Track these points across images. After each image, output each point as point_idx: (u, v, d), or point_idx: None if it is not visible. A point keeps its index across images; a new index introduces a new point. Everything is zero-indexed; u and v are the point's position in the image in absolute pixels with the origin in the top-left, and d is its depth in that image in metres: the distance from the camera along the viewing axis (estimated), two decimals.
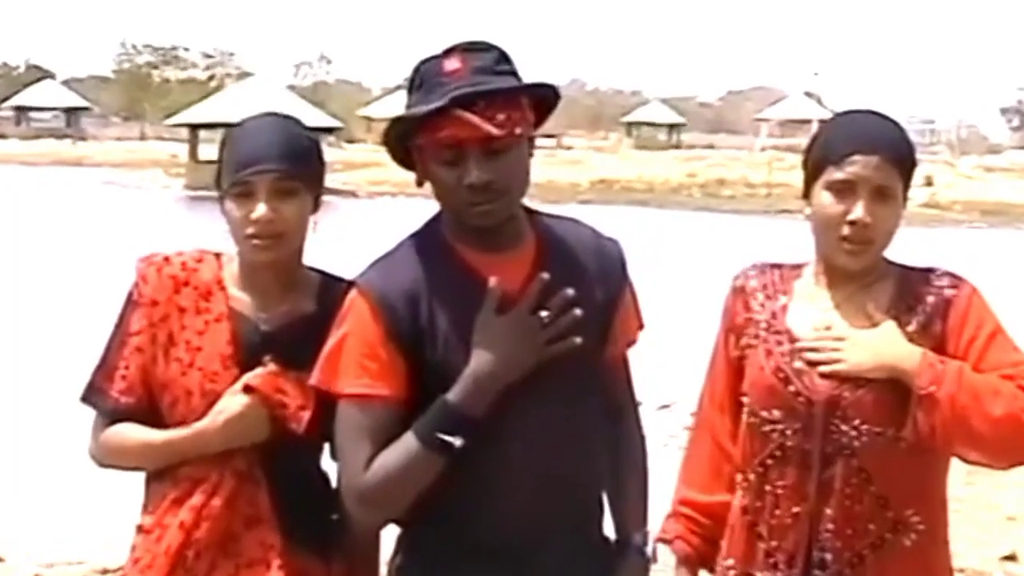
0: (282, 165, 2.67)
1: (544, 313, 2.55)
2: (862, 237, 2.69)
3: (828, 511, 2.71)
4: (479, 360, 2.52)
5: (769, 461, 2.76)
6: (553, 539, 2.61)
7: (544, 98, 2.64)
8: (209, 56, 78.07)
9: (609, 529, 2.80)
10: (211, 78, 73.84)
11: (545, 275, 2.57)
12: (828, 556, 2.71)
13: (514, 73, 2.60)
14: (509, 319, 2.53)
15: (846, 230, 2.69)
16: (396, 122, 2.60)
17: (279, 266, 2.74)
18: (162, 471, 2.74)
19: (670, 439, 9.39)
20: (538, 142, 2.74)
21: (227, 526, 2.69)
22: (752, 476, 2.79)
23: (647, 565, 2.75)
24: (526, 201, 2.71)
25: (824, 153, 2.72)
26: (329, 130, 45.77)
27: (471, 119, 2.49)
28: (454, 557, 2.61)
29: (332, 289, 2.77)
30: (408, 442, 2.52)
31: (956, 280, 2.77)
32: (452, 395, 2.52)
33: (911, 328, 2.72)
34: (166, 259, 2.77)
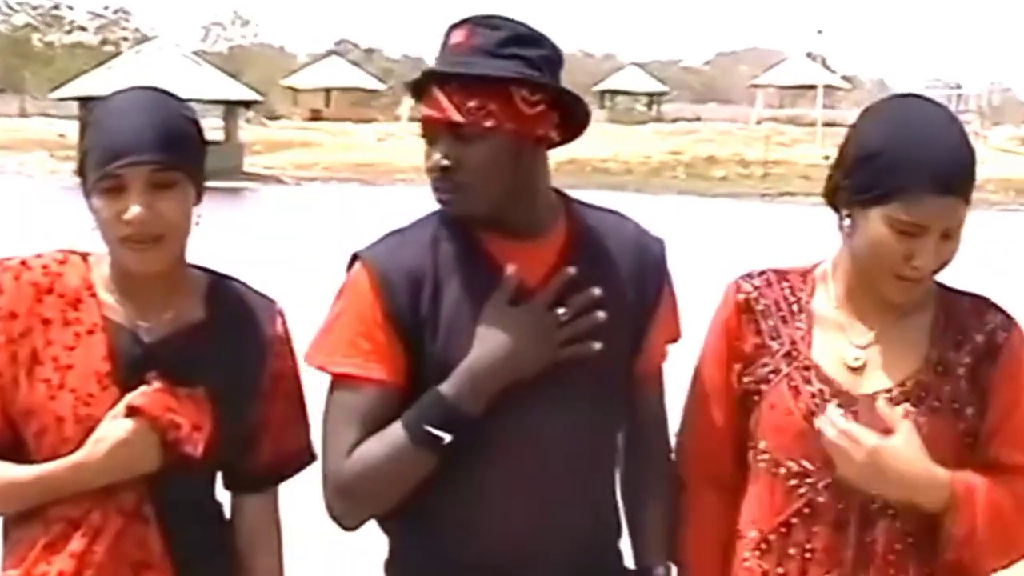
0: (158, 155, 2.62)
1: (562, 311, 2.66)
2: (921, 276, 2.70)
3: None
4: (480, 352, 2.64)
5: (795, 520, 2.74)
6: (548, 564, 2.73)
7: (562, 101, 2.74)
8: (100, 16, 77.84)
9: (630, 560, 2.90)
10: (104, 42, 73.54)
11: (571, 270, 2.69)
12: None
13: (526, 59, 2.69)
14: (521, 312, 2.65)
15: (905, 270, 2.69)
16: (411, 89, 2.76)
17: (160, 270, 2.72)
18: (28, 513, 2.73)
19: None
20: None
21: (113, 574, 2.69)
22: (773, 536, 2.78)
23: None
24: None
25: (889, 183, 2.65)
26: (247, 103, 45.71)
27: (438, 99, 2.65)
28: (440, 574, 2.73)
29: (222, 291, 2.79)
30: (394, 432, 2.64)
31: (1005, 319, 2.80)
32: (446, 387, 2.63)
33: (961, 372, 2.74)
34: (23, 263, 2.73)
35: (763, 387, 2.79)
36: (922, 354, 2.74)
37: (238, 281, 2.82)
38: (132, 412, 2.64)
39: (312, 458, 2.86)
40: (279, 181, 40.12)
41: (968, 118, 61.45)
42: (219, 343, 2.71)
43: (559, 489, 2.71)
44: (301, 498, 3.02)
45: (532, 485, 2.69)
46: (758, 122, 61.46)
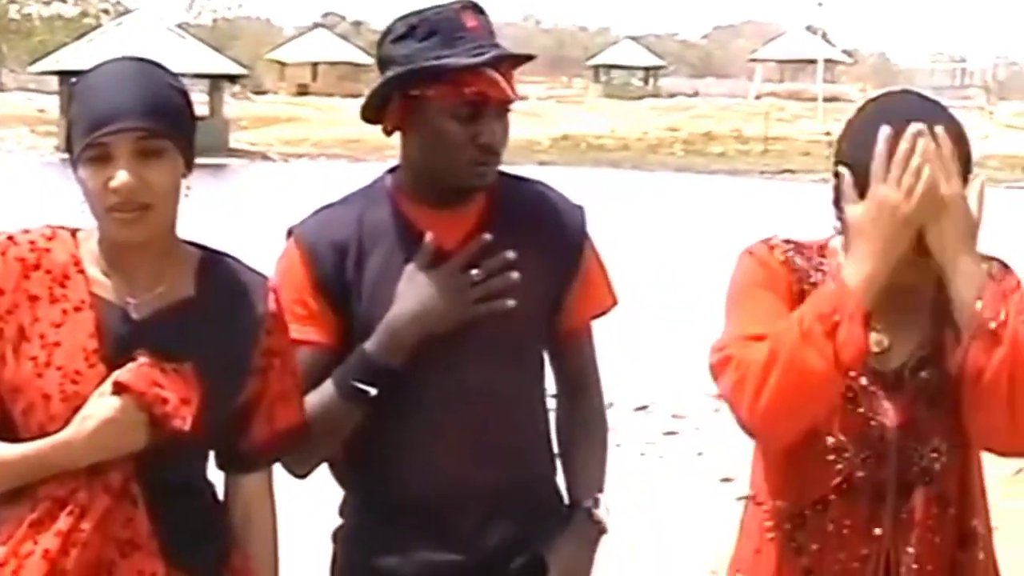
0: (145, 122, 2.65)
1: (475, 271, 2.95)
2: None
3: (910, 549, 2.76)
4: (397, 309, 2.95)
5: (832, 496, 2.77)
6: (477, 501, 3.04)
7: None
8: None
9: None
10: (84, 14, 73.34)
11: (487, 236, 2.97)
12: None
13: None
14: (436, 273, 2.95)
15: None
16: (421, 71, 2.93)
17: (149, 243, 2.75)
18: (16, 491, 2.74)
19: (647, 447, 9.45)
20: None
21: (99, 554, 2.70)
22: (808, 512, 2.80)
23: (598, 529, 3.10)
24: None
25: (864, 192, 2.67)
26: (232, 78, 45.69)
27: (499, 80, 2.93)
28: (384, 516, 3.06)
29: (214, 267, 2.80)
30: (326, 388, 2.96)
31: (1004, 271, 2.81)
32: (368, 343, 2.95)
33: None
34: (11, 239, 2.75)
35: None
36: (929, 316, 2.78)
37: (232, 257, 2.84)
38: (119, 389, 2.66)
39: (308, 437, 2.90)
40: (266, 157, 40.12)
41: (973, 93, 61.52)
42: (209, 319, 2.73)
43: (481, 435, 3.02)
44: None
45: (454, 432, 3.00)
46: (757, 97, 61.51)
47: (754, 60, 73.47)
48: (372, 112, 3.02)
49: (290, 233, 3.05)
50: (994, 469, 3.05)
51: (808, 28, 71.70)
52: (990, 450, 2.78)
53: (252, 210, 22.87)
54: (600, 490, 3.13)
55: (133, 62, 2.76)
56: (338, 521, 3.15)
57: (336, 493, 3.16)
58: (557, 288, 3.08)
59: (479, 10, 2.99)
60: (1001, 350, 2.63)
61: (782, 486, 2.83)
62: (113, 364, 2.68)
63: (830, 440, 2.76)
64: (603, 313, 3.17)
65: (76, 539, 2.68)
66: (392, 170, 3.08)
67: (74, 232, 2.79)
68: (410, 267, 2.95)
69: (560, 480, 3.16)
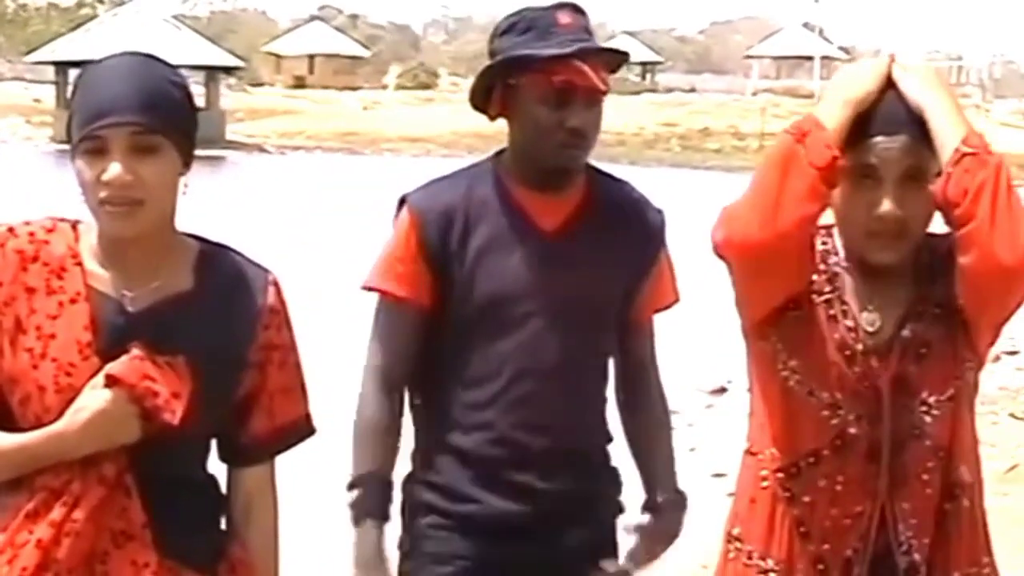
0: (141, 116, 2.66)
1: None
2: (895, 231, 2.77)
3: (905, 505, 2.81)
4: None
5: (826, 452, 2.83)
6: (537, 462, 3.37)
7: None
8: None
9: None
10: (80, 4, 73.26)
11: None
12: (917, 557, 2.82)
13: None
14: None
15: (874, 225, 2.76)
16: (511, 59, 3.29)
17: (143, 237, 2.75)
18: (15, 481, 2.73)
19: None
20: None
21: (93, 544, 2.70)
22: (802, 464, 2.85)
23: (683, 500, 3.55)
24: None
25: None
26: (229, 70, 45.70)
27: (587, 70, 3.26)
28: (449, 467, 3.40)
29: (213, 260, 2.81)
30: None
31: None
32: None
33: (938, 293, 2.81)
34: (11, 230, 2.76)
35: (805, 304, 2.84)
36: (911, 284, 2.85)
37: (232, 250, 2.84)
38: (111, 382, 2.67)
39: (311, 431, 2.89)
40: (262, 150, 40.13)
41: (969, 91, 61.44)
42: (205, 313, 2.73)
43: (547, 407, 3.34)
44: (296, 467, 3.08)
45: (522, 403, 3.33)
46: (754, 93, 61.43)
47: (751, 56, 73.38)
48: (479, 100, 3.38)
49: (402, 201, 3.39)
50: (986, 464, 3.07)
51: (805, 25, 71.65)
52: (975, 301, 2.78)
53: (248, 202, 22.86)
54: (674, 469, 3.54)
55: (136, 56, 2.77)
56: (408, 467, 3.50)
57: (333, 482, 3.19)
58: (633, 280, 3.42)
59: (576, 9, 3.32)
60: (985, 170, 2.68)
61: (778, 435, 2.87)
62: (107, 357, 2.69)
63: (825, 396, 2.82)
64: (666, 307, 3.50)
65: (69, 529, 2.70)
66: (498, 154, 3.42)
67: (75, 224, 2.80)
68: None
69: (611, 446, 3.51)
